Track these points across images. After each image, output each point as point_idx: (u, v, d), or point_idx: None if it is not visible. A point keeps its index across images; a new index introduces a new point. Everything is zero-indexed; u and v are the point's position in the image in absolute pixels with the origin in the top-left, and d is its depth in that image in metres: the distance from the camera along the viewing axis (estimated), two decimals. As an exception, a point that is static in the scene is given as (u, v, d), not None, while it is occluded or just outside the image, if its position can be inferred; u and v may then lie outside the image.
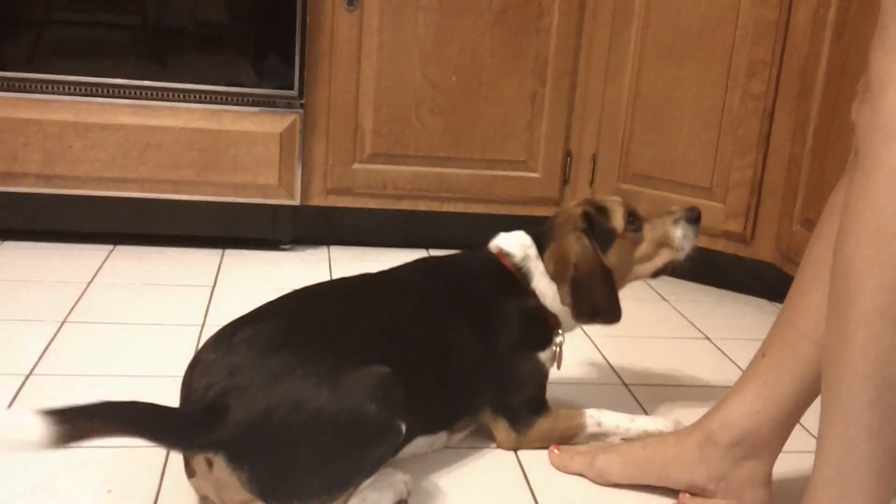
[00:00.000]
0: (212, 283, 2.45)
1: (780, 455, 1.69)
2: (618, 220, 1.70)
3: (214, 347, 1.37)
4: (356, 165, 2.74)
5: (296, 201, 2.71)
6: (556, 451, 1.63)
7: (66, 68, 2.55)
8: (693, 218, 1.75)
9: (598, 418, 1.70)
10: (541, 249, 1.69)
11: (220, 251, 2.73)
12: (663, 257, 1.75)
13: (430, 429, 1.57)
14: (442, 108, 2.73)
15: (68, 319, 2.12)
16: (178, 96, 2.60)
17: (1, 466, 1.49)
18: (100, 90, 2.56)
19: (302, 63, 2.62)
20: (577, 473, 1.59)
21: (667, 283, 2.72)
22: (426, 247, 2.85)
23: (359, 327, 1.47)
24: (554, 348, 1.70)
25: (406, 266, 1.71)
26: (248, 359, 1.32)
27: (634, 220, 1.71)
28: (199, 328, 2.11)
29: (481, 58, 2.71)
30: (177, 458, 1.52)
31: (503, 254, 1.70)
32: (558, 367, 1.73)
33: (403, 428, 1.36)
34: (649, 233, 1.73)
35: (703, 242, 2.60)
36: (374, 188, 2.77)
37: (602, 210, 1.71)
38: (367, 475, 1.35)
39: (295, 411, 1.27)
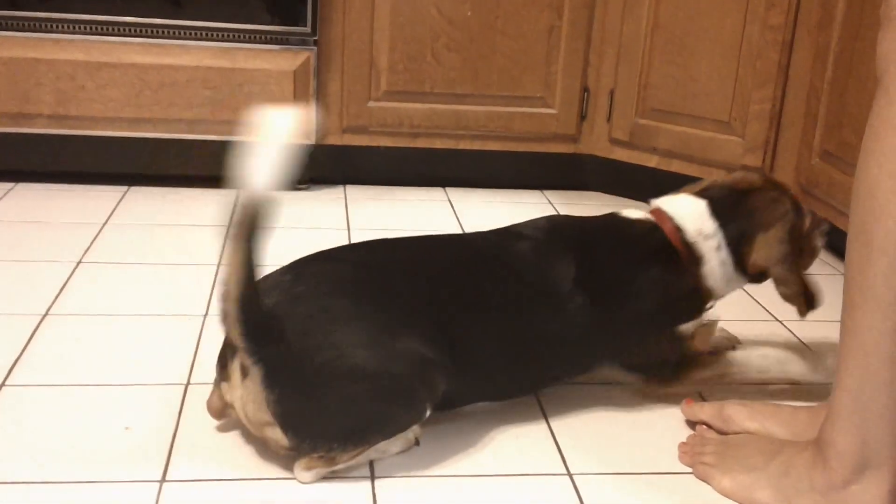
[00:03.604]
0: (227, 223, 2.43)
1: (799, 386, 1.68)
2: (818, 241, 1.63)
3: (285, 271, 1.41)
4: (371, 103, 2.72)
5: (311, 140, 2.69)
6: (688, 403, 1.57)
7: (77, 7, 2.52)
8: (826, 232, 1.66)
9: (739, 358, 1.62)
10: (728, 234, 1.56)
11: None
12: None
13: (494, 397, 1.56)
14: (458, 44, 2.69)
15: (84, 260, 2.11)
16: (191, 34, 2.58)
17: (19, 405, 1.50)
18: (111, 29, 2.54)
19: (315, -1, 2.59)
20: (704, 422, 1.53)
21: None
22: (443, 185, 2.83)
23: (427, 292, 1.42)
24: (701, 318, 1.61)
25: (526, 224, 1.60)
26: (314, 294, 1.35)
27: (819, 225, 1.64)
28: (215, 268, 2.10)
29: (496, -9, 2.67)
30: (195, 396, 1.53)
31: (672, 227, 1.56)
32: None
33: (428, 412, 1.37)
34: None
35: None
36: (389, 126, 2.74)
37: (800, 212, 1.59)
38: (384, 438, 1.37)
39: (339, 359, 1.29)
